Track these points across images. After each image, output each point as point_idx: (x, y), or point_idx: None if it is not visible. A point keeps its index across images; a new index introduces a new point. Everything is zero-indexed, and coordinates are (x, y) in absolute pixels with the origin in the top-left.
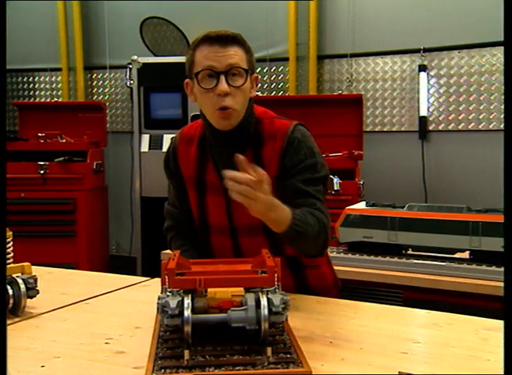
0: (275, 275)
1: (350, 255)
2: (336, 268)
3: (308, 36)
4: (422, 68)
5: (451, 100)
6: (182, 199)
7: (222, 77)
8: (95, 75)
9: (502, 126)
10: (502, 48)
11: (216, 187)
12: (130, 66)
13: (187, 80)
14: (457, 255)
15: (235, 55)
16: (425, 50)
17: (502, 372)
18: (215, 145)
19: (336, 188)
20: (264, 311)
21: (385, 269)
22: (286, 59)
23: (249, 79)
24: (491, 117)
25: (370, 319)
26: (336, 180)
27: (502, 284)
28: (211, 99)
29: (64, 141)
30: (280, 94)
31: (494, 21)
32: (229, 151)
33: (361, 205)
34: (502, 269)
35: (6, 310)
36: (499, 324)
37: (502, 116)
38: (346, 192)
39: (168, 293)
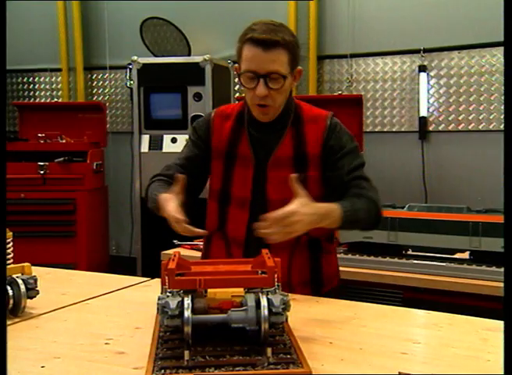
0: (275, 275)
1: (350, 256)
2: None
3: (308, 36)
4: (422, 68)
5: (451, 100)
6: (195, 165)
7: (262, 81)
8: (95, 75)
9: (502, 126)
10: (501, 48)
11: (246, 159)
12: (130, 67)
13: (236, 65)
14: (457, 256)
15: (276, 60)
16: (425, 50)
17: (502, 372)
18: (253, 125)
19: None
20: (264, 311)
21: (384, 269)
22: None
23: (288, 79)
24: (491, 118)
25: (370, 320)
26: None
27: (501, 285)
28: (252, 96)
29: (64, 141)
30: None
31: (493, 22)
32: (266, 132)
33: None
34: (501, 269)
35: (6, 310)
36: (499, 324)
37: (502, 117)
38: None
39: (168, 293)
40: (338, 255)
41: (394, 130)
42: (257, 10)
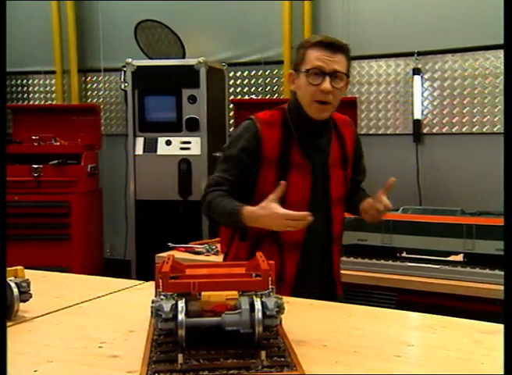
0: (270, 278)
1: (344, 258)
2: None
3: (303, 38)
4: (416, 71)
5: (445, 103)
6: (247, 179)
7: (327, 78)
8: (89, 78)
9: (495, 129)
10: (495, 51)
11: (302, 167)
12: (125, 69)
13: (292, 71)
14: (451, 258)
15: (340, 62)
16: (419, 53)
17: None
18: (302, 130)
19: None
20: (259, 314)
21: (379, 271)
22: (281, 62)
23: (346, 82)
24: (484, 120)
25: (364, 322)
26: None
27: (495, 287)
28: (314, 93)
29: (58, 143)
30: (275, 97)
31: (487, 25)
32: (316, 135)
33: None
34: (496, 271)
35: (6, 312)
36: (494, 327)
37: (495, 119)
38: None
39: (162, 296)
40: None
41: (389, 132)
42: (251, 12)
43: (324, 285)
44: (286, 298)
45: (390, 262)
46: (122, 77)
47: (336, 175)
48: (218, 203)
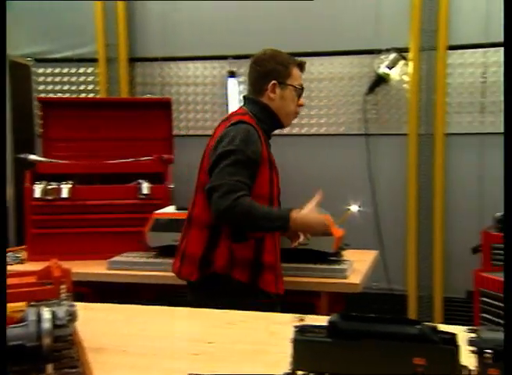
0: (62, 286)
1: (159, 260)
2: (148, 273)
3: (118, 38)
4: (231, 74)
5: None
6: (254, 179)
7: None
8: None
9: (303, 131)
10: (316, 58)
11: (273, 165)
12: None
13: (275, 82)
14: None
15: None
16: (234, 57)
17: (285, 362)
18: (268, 134)
19: (145, 192)
20: (46, 325)
21: None
22: (96, 60)
23: None
24: (303, 123)
25: (165, 324)
26: (145, 184)
27: (299, 279)
28: (296, 107)
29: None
30: (90, 96)
31: (300, 33)
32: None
33: (170, 209)
34: (303, 265)
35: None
36: (288, 317)
37: (312, 121)
38: (155, 196)
39: None
40: (147, 260)
41: (207, 133)
42: (61, 8)
43: None
44: (87, 305)
45: None
46: None
47: None
48: (259, 208)
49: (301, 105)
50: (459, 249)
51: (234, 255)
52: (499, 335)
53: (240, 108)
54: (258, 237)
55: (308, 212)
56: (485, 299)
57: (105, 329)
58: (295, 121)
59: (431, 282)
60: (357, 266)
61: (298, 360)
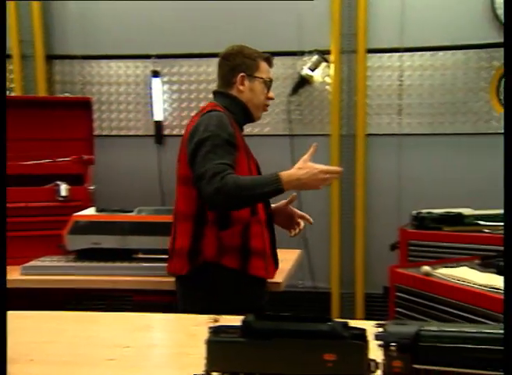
0: None
1: (78, 263)
2: (65, 278)
3: (33, 34)
4: (155, 74)
5: (183, 106)
6: (235, 161)
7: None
8: None
9: None
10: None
11: (249, 150)
12: None
13: (243, 74)
14: None
15: None
16: (158, 56)
17: (202, 364)
18: (241, 125)
19: (63, 194)
20: None
21: (115, 274)
22: (9, 56)
23: None
24: None
25: (79, 329)
26: (63, 186)
27: None
28: (265, 99)
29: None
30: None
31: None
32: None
33: (90, 211)
34: None
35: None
36: (208, 318)
37: None
38: (75, 198)
39: None
40: (66, 264)
41: (131, 134)
42: None
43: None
44: None
45: (125, 264)
46: None
47: None
48: (245, 180)
49: (271, 98)
50: (379, 246)
51: (222, 242)
52: (404, 328)
53: (210, 102)
54: (244, 221)
55: (300, 165)
56: (399, 294)
57: (13, 337)
58: None
59: (353, 279)
60: (280, 265)
61: (212, 361)
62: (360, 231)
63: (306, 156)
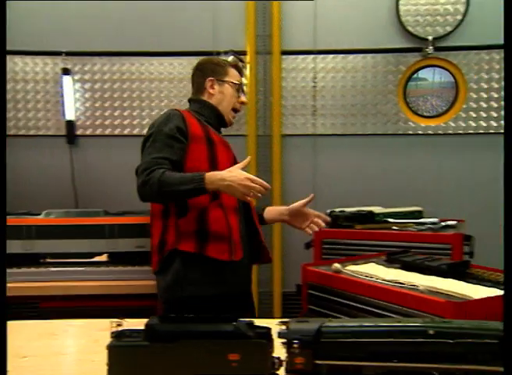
0: None
1: None
2: None
3: None
4: (66, 71)
5: (97, 105)
6: (183, 154)
7: (242, 93)
8: None
9: (126, 131)
10: (145, 57)
11: (224, 143)
12: None
13: (212, 78)
14: (96, 259)
15: None
16: (69, 53)
17: (105, 370)
18: (213, 125)
19: None
20: None
21: (21, 280)
22: None
23: None
24: (134, 123)
25: None
26: None
27: (139, 283)
28: (235, 103)
29: None
30: None
31: (139, 32)
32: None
33: None
34: (136, 267)
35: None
36: (108, 324)
37: (134, 122)
38: None
39: None
40: None
41: (41, 133)
42: None
43: (255, 248)
44: None
45: (32, 270)
46: None
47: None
48: (171, 176)
49: (243, 103)
50: (296, 245)
51: (179, 229)
52: (306, 326)
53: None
54: (200, 207)
55: (230, 169)
56: (311, 291)
57: None
58: (135, 122)
59: (270, 278)
60: None
61: (114, 367)
62: (277, 230)
63: (240, 164)
